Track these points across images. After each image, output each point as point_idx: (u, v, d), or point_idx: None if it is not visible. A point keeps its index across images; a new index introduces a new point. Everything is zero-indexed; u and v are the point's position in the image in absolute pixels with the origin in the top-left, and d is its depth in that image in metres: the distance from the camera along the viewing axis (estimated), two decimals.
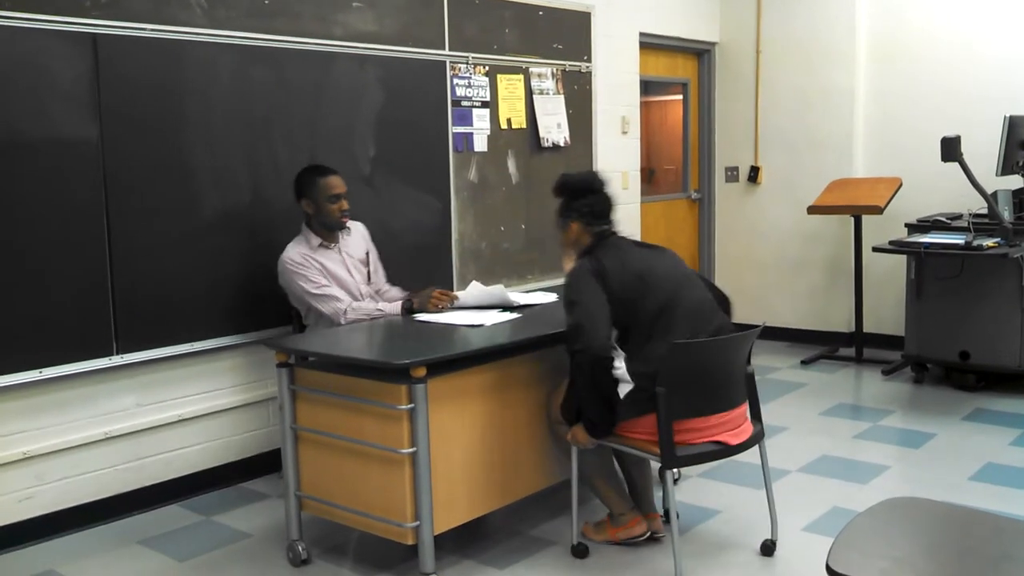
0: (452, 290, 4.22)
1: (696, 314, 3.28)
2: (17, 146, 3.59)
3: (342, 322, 3.95)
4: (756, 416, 3.45)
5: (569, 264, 3.45)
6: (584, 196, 3.42)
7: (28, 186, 3.63)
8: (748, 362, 3.41)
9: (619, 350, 3.23)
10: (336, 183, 4.06)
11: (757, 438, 3.38)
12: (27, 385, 3.69)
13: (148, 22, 3.92)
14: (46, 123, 3.66)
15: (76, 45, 3.72)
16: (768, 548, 3.50)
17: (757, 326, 3.41)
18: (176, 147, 4.05)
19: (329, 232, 4.11)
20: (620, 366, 3.19)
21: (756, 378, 3.47)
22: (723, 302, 3.49)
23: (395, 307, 4.00)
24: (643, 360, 3.17)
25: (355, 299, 4.07)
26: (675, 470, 3.86)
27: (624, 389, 3.18)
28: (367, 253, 4.29)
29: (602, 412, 3.21)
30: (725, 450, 3.26)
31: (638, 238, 4.96)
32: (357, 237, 4.27)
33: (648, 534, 3.56)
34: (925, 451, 4.65)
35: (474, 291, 4.11)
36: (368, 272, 4.25)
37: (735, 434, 3.28)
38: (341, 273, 4.10)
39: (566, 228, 3.46)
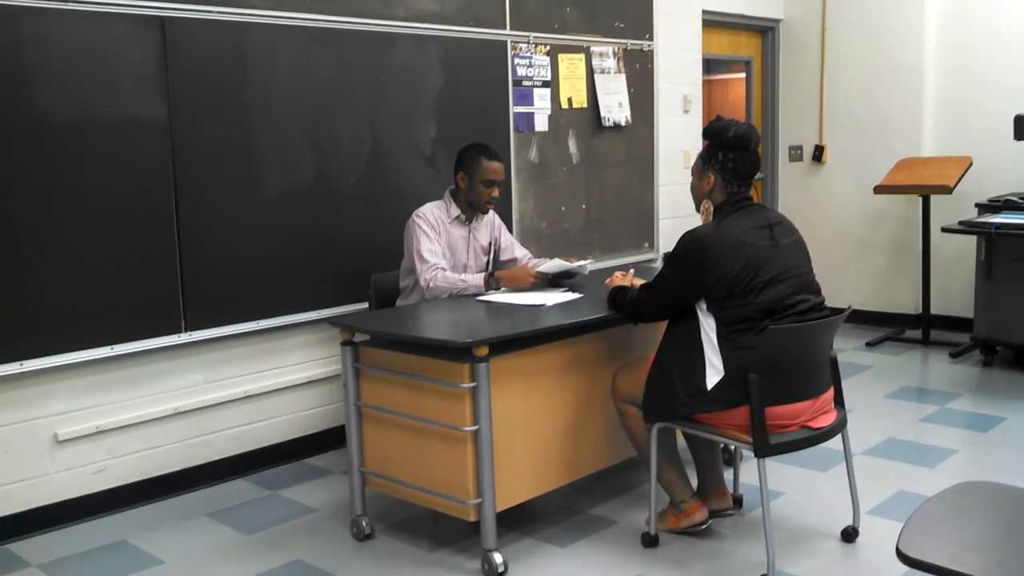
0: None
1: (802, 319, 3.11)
2: (89, 128, 3.68)
3: (427, 289, 3.95)
4: (839, 402, 3.35)
5: (702, 217, 3.30)
6: (734, 151, 3.18)
7: (99, 166, 3.71)
8: (831, 346, 3.29)
9: (713, 340, 3.08)
10: (497, 170, 4.09)
11: (842, 424, 3.28)
12: (99, 361, 3.79)
13: (214, 4, 3.98)
14: (117, 105, 3.74)
15: (145, 28, 3.79)
16: (849, 535, 3.44)
17: (843, 309, 3.31)
18: (242, 127, 4.12)
19: (470, 209, 4.17)
20: (713, 348, 3.07)
21: None
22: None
23: (478, 279, 4.00)
24: (741, 349, 3.03)
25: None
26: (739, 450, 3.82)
27: (713, 380, 3.06)
28: (490, 243, 4.33)
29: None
30: (815, 437, 3.16)
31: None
32: (485, 225, 4.32)
33: (708, 522, 3.48)
34: (994, 435, 4.56)
35: (553, 264, 4.09)
36: (488, 261, 4.30)
37: (823, 420, 3.19)
38: (461, 249, 4.18)
39: (703, 177, 3.25)
